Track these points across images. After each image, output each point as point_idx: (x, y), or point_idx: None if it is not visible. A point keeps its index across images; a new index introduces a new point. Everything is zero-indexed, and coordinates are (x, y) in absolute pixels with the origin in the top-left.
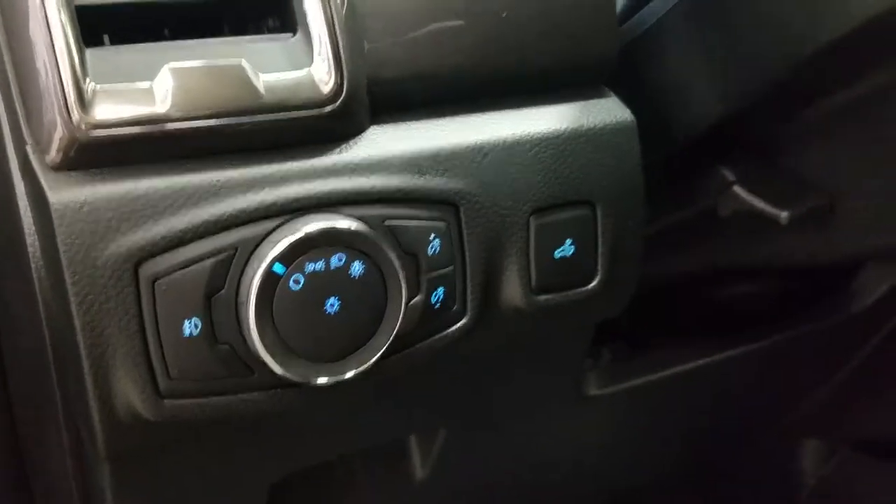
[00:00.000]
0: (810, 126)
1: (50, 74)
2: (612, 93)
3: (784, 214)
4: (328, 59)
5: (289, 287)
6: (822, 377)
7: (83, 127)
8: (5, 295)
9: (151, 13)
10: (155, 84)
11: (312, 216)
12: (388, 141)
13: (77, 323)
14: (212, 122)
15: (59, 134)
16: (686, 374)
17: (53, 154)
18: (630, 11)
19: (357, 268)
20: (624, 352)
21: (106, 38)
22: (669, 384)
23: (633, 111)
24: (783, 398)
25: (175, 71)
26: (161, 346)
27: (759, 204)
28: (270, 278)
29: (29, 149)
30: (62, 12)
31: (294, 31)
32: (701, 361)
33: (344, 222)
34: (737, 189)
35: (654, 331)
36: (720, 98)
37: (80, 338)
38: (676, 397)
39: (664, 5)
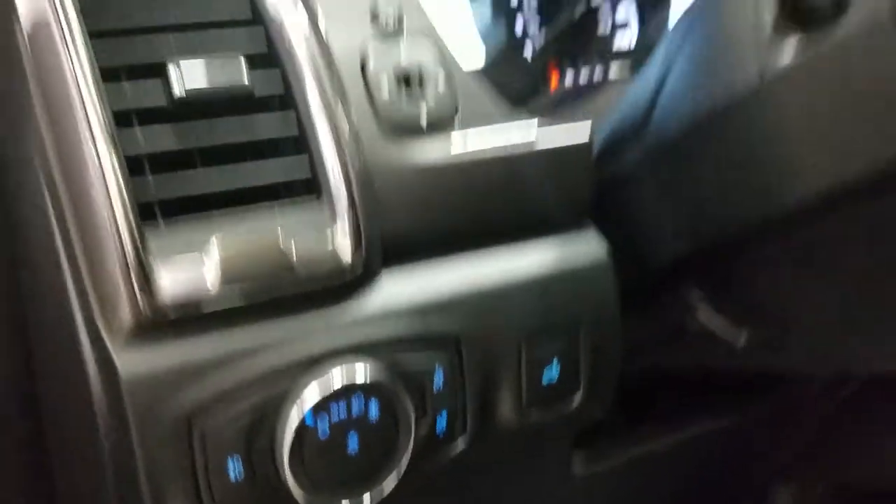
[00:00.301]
0: (771, 257)
1: (115, 257)
2: (592, 224)
3: (741, 339)
4: (349, 225)
5: (317, 433)
6: (795, 434)
7: (146, 308)
8: (67, 425)
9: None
10: (206, 266)
11: (336, 366)
12: (397, 288)
13: (140, 467)
14: (253, 297)
15: (124, 311)
16: (667, 448)
17: (119, 327)
18: (610, 149)
19: (374, 412)
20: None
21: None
22: (652, 458)
23: (612, 237)
24: (761, 456)
25: (224, 257)
26: (209, 484)
27: (721, 326)
28: (301, 426)
29: (96, 316)
30: (125, 198)
31: (319, 194)
32: (680, 436)
33: (363, 373)
34: (701, 311)
35: (633, 410)
36: (686, 239)
37: (142, 479)
38: (660, 468)
39: (638, 154)
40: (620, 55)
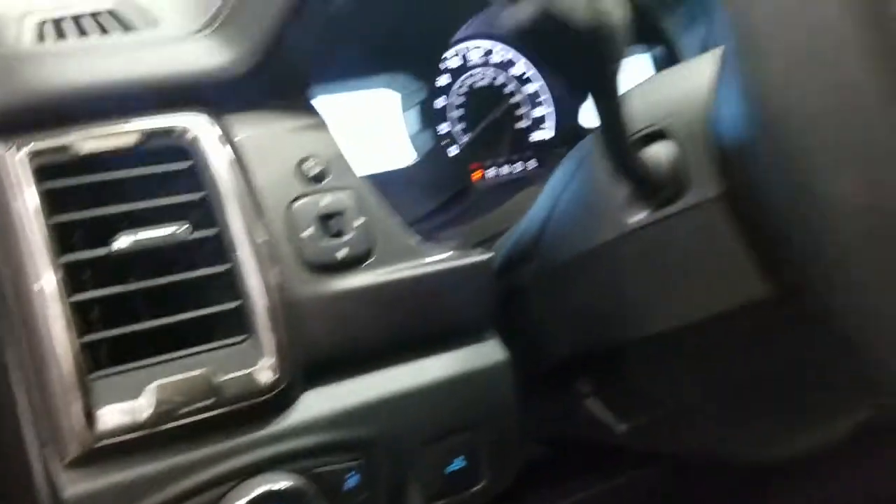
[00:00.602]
0: (646, 360)
1: (61, 397)
2: (494, 333)
3: (620, 427)
4: (274, 359)
5: None
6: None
7: (90, 441)
8: None
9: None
10: (142, 402)
11: (257, 478)
12: (315, 406)
13: None
14: (181, 424)
15: (72, 444)
16: (596, 497)
17: (66, 456)
18: (512, 261)
19: None
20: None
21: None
22: None
23: (514, 336)
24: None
25: (159, 397)
26: None
27: (604, 414)
28: None
29: (45, 444)
30: (72, 346)
31: (248, 334)
32: (592, 490)
33: (283, 483)
34: (589, 400)
35: (557, 461)
36: (572, 345)
37: None
38: None
39: (533, 270)
40: (539, 149)
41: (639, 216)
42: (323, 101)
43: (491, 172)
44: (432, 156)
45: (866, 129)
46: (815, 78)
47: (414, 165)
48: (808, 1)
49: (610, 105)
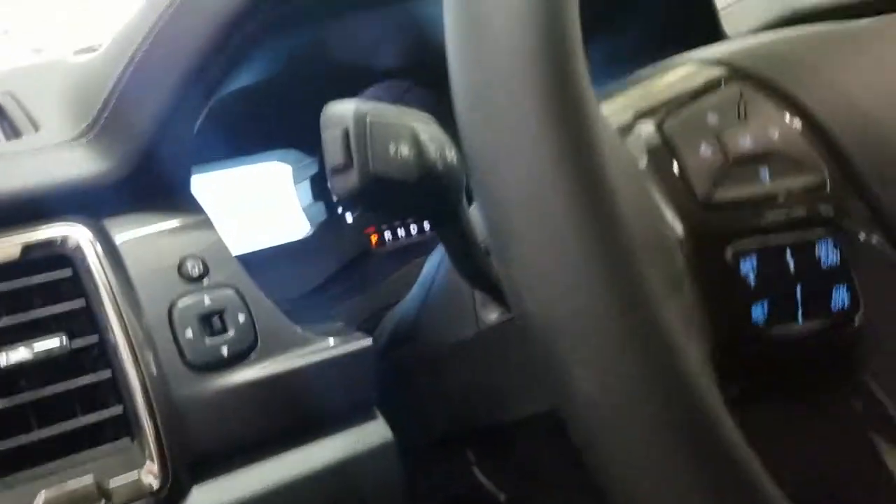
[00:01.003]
0: (520, 436)
1: None
2: (377, 415)
3: (500, 497)
4: (157, 460)
5: None
6: None
7: None
8: None
9: None
10: None
11: None
12: (203, 501)
13: None
14: None
15: None
16: None
17: None
18: (395, 342)
19: None
20: None
21: None
22: None
23: (402, 412)
24: None
25: (48, 496)
26: None
27: (487, 483)
28: None
29: None
30: None
31: (133, 437)
32: None
33: None
34: (474, 470)
35: None
36: (452, 423)
37: None
38: None
39: (414, 353)
40: None
41: (493, 315)
42: (213, 177)
43: (387, 235)
44: (328, 225)
45: (595, 336)
46: (549, 289)
47: (310, 237)
48: (541, 215)
49: (454, 232)
